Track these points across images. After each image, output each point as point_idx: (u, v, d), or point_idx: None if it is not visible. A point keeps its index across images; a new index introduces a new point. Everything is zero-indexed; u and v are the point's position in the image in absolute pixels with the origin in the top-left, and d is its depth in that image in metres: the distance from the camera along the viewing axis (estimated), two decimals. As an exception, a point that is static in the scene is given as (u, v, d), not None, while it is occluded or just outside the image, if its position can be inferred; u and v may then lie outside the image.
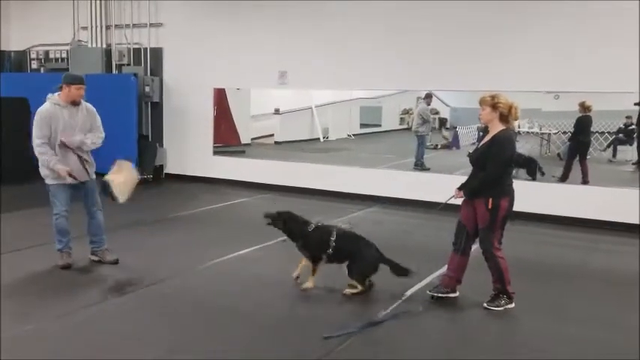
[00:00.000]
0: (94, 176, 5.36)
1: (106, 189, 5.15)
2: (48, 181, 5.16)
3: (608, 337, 4.18)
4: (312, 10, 9.25)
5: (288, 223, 4.90)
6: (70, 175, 5.03)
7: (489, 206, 4.39)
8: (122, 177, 5.22)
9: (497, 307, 4.53)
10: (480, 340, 4.11)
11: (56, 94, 5.11)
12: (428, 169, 10.82)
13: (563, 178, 9.54)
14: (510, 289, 4.57)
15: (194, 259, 5.64)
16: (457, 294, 4.75)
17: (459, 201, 4.70)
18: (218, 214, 8.15)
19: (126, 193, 5.17)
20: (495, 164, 4.39)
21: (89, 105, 5.29)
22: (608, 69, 7.32)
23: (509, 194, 4.47)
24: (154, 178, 10.26)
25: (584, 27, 7.49)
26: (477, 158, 4.54)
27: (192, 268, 5.41)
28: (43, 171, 5.13)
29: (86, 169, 5.20)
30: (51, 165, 4.99)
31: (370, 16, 8.82)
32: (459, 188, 4.66)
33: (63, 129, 5.01)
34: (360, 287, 4.73)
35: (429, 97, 12.79)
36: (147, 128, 10.55)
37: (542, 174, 9.57)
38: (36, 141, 4.98)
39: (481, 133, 11.90)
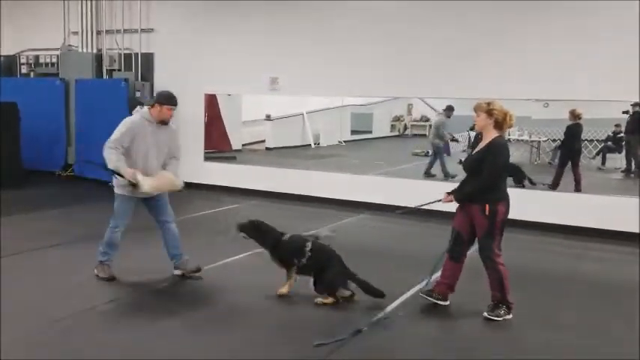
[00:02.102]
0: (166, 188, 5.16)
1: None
2: (117, 191, 5.06)
3: (600, 344, 4.19)
4: (304, 17, 9.28)
5: (261, 232, 4.86)
6: (133, 182, 4.81)
7: (487, 212, 4.39)
8: (154, 179, 4.99)
9: (497, 317, 4.49)
10: (472, 348, 4.10)
11: (146, 107, 5.07)
12: (453, 177, 10.02)
13: (554, 186, 9.60)
14: (510, 299, 4.54)
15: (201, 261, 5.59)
16: (448, 303, 4.73)
17: (441, 206, 4.68)
18: (209, 220, 8.11)
19: (154, 186, 4.91)
20: (491, 170, 4.40)
21: (173, 125, 5.22)
22: (597, 77, 7.39)
23: (506, 199, 4.48)
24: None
25: (574, 36, 7.55)
26: (472, 165, 4.54)
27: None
28: (116, 182, 5.02)
29: None
30: (114, 163, 4.80)
31: (362, 23, 8.85)
32: (449, 193, 4.66)
33: (144, 144, 4.92)
34: (330, 299, 4.69)
35: (450, 109, 12.20)
36: (137, 134, 10.50)
37: (533, 183, 9.62)
38: (110, 144, 4.83)
39: (471, 136, 11.96)
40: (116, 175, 4.93)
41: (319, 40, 9.19)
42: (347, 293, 4.73)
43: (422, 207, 4.85)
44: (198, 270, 5.25)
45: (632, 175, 12.59)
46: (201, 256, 5.55)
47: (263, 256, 5.05)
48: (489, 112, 4.43)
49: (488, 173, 4.40)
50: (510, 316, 4.53)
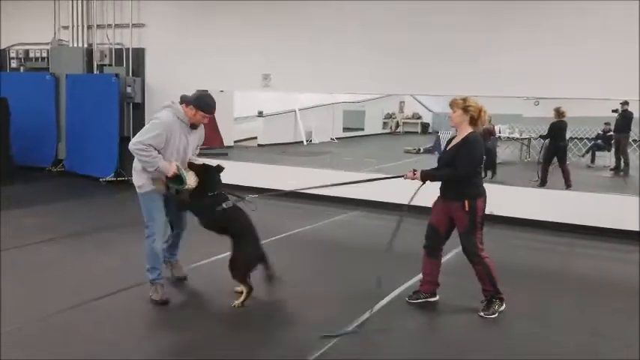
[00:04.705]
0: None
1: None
2: (143, 190, 4.50)
3: (589, 341, 4.23)
4: (296, 12, 9.26)
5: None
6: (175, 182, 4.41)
7: (466, 208, 4.42)
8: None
9: (493, 313, 4.52)
10: (463, 345, 4.12)
11: (178, 105, 4.49)
12: None
13: (542, 183, 9.72)
14: (500, 289, 4.60)
15: (186, 258, 5.58)
16: (437, 297, 4.77)
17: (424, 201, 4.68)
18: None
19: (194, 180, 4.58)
20: (465, 163, 4.41)
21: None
22: (587, 76, 7.44)
23: (483, 195, 4.53)
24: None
25: (564, 34, 7.60)
26: (447, 160, 4.55)
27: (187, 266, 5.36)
28: (139, 179, 4.50)
29: None
30: (157, 163, 4.31)
31: (355, 20, 8.84)
32: (415, 170, 4.61)
33: (172, 144, 4.40)
34: (244, 288, 4.48)
35: None
36: (128, 129, 10.43)
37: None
38: (140, 145, 4.27)
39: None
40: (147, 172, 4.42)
41: (312, 36, 9.18)
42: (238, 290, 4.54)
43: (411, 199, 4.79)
44: (184, 279, 5.08)
45: (621, 173, 12.73)
46: (192, 252, 5.54)
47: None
48: (465, 109, 4.45)
49: (462, 166, 4.39)
50: (504, 307, 4.57)
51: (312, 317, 4.39)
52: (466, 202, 4.41)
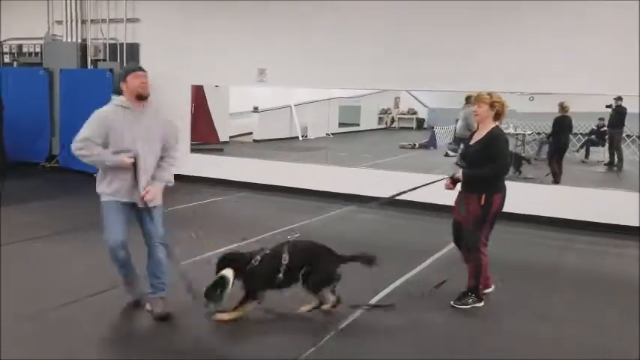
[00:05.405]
0: (159, 201, 4.20)
1: None
2: (103, 198, 4.09)
3: (584, 335, 4.25)
4: (292, 8, 9.22)
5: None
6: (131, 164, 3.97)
7: (482, 202, 4.44)
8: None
9: (464, 305, 4.56)
10: (456, 340, 4.13)
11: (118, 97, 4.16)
12: None
13: (557, 179, 9.62)
14: (482, 289, 4.62)
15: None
16: (492, 289, 4.77)
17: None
18: (194, 213, 8.08)
19: None
20: (501, 158, 4.48)
21: (164, 117, 4.32)
22: (582, 71, 7.46)
23: (503, 191, 4.54)
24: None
25: (559, 29, 7.61)
26: (473, 156, 4.56)
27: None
28: (97, 187, 4.13)
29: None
30: (107, 159, 3.97)
31: (350, 15, 8.82)
32: (452, 177, 4.64)
33: (127, 137, 3.98)
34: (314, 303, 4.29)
35: (469, 99, 12.35)
36: (123, 125, 10.40)
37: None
38: (77, 144, 3.96)
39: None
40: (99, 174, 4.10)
41: (307, 31, 9.15)
42: (331, 300, 4.30)
43: (423, 186, 4.77)
44: (165, 319, 4.14)
45: (615, 169, 12.77)
46: (187, 248, 5.53)
47: (250, 248, 5.04)
48: (492, 104, 4.51)
49: (499, 161, 4.46)
50: (481, 304, 4.59)
51: (305, 314, 4.38)
52: (483, 197, 4.44)
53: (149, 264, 4.24)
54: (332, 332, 4.04)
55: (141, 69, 4.20)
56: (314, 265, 4.21)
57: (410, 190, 4.83)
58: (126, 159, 3.96)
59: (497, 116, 4.54)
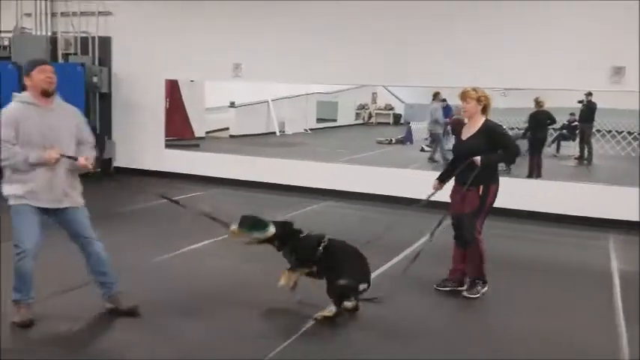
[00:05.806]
0: (81, 201, 4.02)
1: None
2: (11, 202, 3.79)
3: (574, 326, 4.30)
4: (267, 2, 9.13)
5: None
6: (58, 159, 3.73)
7: (480, 192, 4.53)
8: None
9: (477, 293, 4.65)
10: (451, 332, 4.15)
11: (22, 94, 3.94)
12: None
13: (538, 174, 9.71)
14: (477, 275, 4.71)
15: (143, 255, 5.48)
16: (465, 287, 4.79)
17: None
18: (169, 208, 7.91)
19: None
20: (511, 141, 4.72)
21: (72, 107, 4.06)
22: (554, 67, 7.57)
23: (497, 182, 4.64)
24: (102, 171, 9.93)
25: (532, 26, 7.71)
26: (472, 149, 4.57)
27: (143, 264, 5.26)
28: (5, 189, 3.82)
29: (67, 193, 3.88)
30: (30, 159, 3.69)
31: (325, 10, 8.78)
32: (439, 179, 4.80)
33: (27, 130, 3.73)
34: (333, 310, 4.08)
35: (436, 95, 12.59)
36: (95, 120, 10.20)
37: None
38: None
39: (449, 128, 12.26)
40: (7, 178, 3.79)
41: (283, 26, 9.09)
42: (349, 305, 4.10)
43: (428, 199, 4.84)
44: (135, 310, 4.07)
45: (585, 162, 13.04)
46: (163, 243, 5.45)
47: (226, 242, 4.99)
48: (479, 99, 4.59)
49: (510, 145, 4.62)
50: (486, 288, 4.70)
51: (282, 307, 4.35)
52: (480, 187, 4.52)
53: (90, 264, 4.00)
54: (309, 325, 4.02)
55: (47, 62, 3.99)
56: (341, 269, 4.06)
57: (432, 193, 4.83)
58: (53, 154, 3.72)
59: (485, 110, 4.63)
